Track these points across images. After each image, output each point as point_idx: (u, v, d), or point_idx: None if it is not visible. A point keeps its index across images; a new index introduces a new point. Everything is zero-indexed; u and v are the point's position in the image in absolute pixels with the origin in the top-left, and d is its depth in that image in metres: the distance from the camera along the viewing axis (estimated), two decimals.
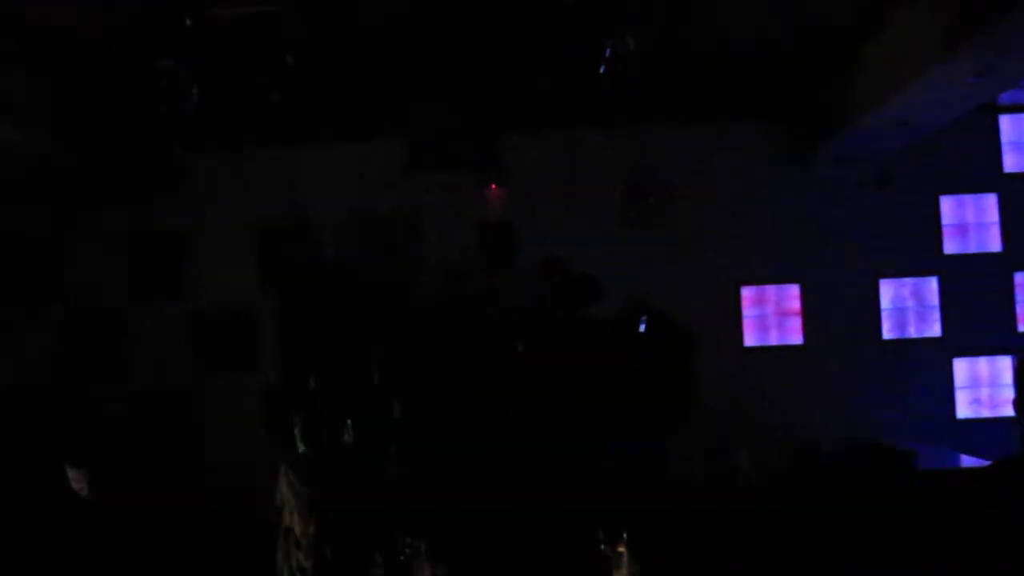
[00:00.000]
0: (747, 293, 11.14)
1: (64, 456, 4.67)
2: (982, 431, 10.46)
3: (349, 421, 7.07)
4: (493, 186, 10.49)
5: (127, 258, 10.79)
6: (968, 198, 11.23)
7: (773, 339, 11.15)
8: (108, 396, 10.07)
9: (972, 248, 11.22)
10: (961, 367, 11.08)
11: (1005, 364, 11.06)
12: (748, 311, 11.14)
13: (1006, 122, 11.25)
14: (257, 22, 6.99)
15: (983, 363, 11.10)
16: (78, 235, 10.71)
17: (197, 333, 10.68)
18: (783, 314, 11.18)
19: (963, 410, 11.03)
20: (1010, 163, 11.26)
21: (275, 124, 9.42)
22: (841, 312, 10.95)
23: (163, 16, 5.81)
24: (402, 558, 4.59)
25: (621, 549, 4.32)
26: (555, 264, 7.90)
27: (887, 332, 11.13)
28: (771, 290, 11.17)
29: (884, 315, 11.13)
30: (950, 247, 11.19)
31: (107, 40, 7.15)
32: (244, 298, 10.62)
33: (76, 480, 4.65)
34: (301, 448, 6.22)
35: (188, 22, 5.84)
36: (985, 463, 8.39)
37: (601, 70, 6.14)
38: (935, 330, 11.14)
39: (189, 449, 10.17)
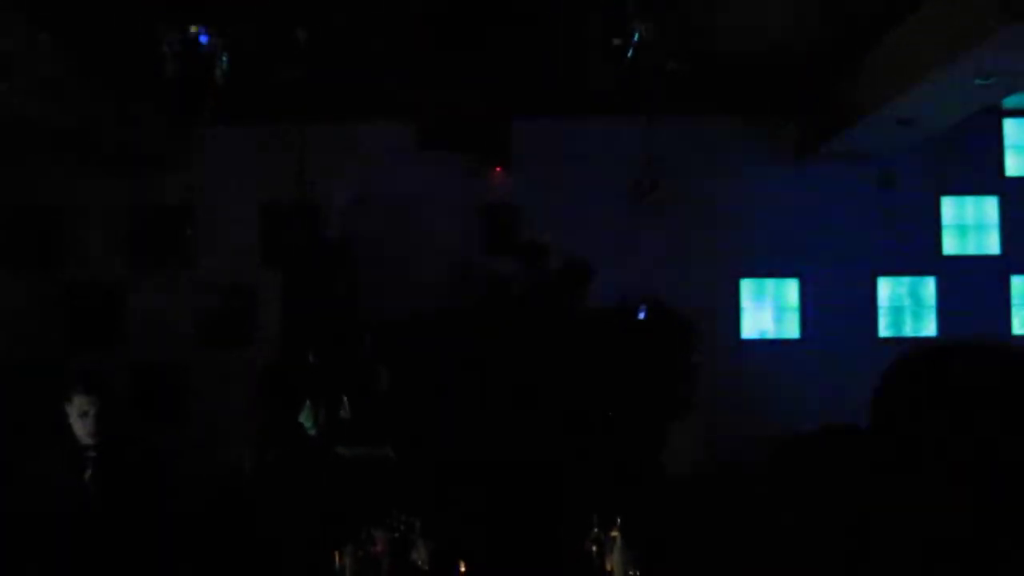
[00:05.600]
0: (747, 286, 11.21)
1: (72, 386, 4.36)
2: None
3: (346, 398, 7.12)
4: (498, 169, 10.50)
5: (129, 229, 10.78)
6: (969, 200, 11.30)
7: (771, 332, 11.22)
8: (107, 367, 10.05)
9: (971, 250, 11.28)
10: None
11: None
12: (747, 304, 11.20)
13: (1010, 125, 11.30)
14: None
15: None
16: (80, 204, 10.71)
17: (198, 307, 10.68)
18: (781, 308, 11.25)
19: None
20: (1012, 166, 11.32)
21: (283, 100, 9.40)
22: (838, 308, 11.00)
23: None
24: (397, 535, 4.61)
25: (615, 534, 4.35)
26: (536, 248, 7.82)
27: (883, 330, 11.20)
28: (770, 284, 11.23)
29: (881, 312, 11.20)
30: (949, 248, 11.26)
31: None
32: (246, 273, 10.63)
33: (83, 408, 4.35)
34: (307, 424, 6.26)
35: None
36: None
37: (628, 57, 6.14)
38: (930, 330, 11.22)
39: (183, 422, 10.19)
